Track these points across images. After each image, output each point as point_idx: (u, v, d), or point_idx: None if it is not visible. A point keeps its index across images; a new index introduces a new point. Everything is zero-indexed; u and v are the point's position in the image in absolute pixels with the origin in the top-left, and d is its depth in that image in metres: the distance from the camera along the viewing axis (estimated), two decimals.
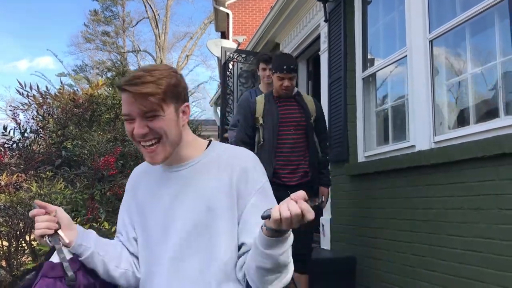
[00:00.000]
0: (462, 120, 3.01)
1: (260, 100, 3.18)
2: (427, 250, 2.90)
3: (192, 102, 27.59)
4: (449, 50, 3.20)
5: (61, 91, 3.05)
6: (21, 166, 2.77)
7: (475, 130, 2.66)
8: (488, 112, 2.79)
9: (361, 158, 3.98)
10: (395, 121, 3.78)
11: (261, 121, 3.10)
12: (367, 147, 3.98)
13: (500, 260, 2.32)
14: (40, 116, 2.96)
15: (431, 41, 3.15)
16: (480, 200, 2.48)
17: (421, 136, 3.12)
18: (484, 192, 2.45)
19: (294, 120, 3.07)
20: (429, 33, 3.15)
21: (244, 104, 3.33)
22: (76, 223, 2.28)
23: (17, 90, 2.91)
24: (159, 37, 27.14)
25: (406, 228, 3.15)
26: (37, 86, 2.91)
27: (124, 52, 27.80)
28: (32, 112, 3.01)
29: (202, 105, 28.34)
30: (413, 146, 3.21)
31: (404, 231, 3.17)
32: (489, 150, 2.39)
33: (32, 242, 2.68)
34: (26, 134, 2.94)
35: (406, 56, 3.41)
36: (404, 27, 3.45)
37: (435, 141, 3.01)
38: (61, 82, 3.09)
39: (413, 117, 3.25)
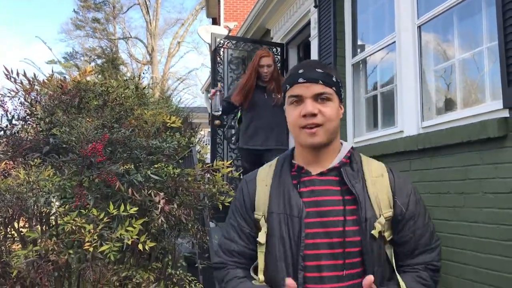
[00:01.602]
0: (449, 105, 3.03)
1: (261, 177, 1.44)
2: None
3: (184, 89, 27.52)
4: (437, 36, 3.20)
5: (50, 78, 3.03)
6: (9, 153, 2.76)
7: (462, 115, 2.69)
8: (474, 97, 2.82)
9: (350, 144, 3.99)
10: (384, 107, 3.80)
11: (264, 229, 1.34)
12: (357, 133, 4.00)
13: (483, 243, 2.36)
14: (27, 103, 2.94)
15: (419, 27, 3.16)
16: (465, 184, 2.51)
17: (409, 122, 3.15)
18: (469, 177, 2.49)
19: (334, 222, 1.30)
20: (417, 18, 3.16)
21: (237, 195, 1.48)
22: (64, 210, 2.27)
23: (5, 75, 2.89)
24: (150, 23, 26.86)
25: None
26: (24, 72, 2.88)
27: (114, 39, 27.50)
28: (19, 99, 2.98)
29: (194, 92, 28.31)
30: (401, 131, 3.23)
31: None
32: (475, 135, 2.42)
33: (21, 229, 2.69)
34: (14, 121, 2.92)
35: (394, 42, 3.41)
36: (393, 13, 3.44)
37: (423, 126, 3.03)
38: (52, 70, 3.07)
39: (402, 102, 3.27)
